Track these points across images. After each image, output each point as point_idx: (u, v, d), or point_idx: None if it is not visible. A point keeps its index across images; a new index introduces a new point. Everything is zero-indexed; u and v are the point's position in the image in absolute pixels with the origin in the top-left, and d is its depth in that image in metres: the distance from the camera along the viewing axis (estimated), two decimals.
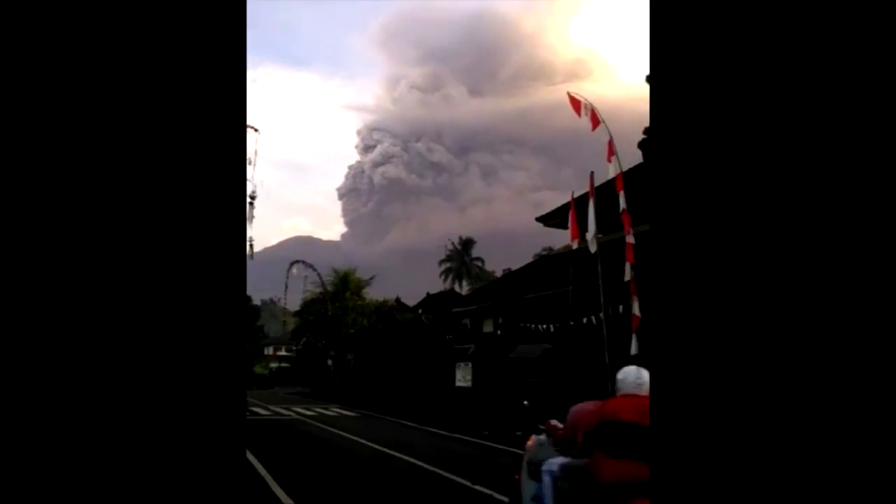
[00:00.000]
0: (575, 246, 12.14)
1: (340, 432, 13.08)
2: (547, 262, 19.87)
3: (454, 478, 7.68)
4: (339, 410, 19.73)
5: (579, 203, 12.07)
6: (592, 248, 10.80)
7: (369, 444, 11.04)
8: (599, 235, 10.99)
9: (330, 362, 31.99)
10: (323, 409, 20.16)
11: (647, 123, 14.63)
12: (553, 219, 17.96)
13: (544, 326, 14.56)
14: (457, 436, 12.76)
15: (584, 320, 12.49)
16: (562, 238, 17.36)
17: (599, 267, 10.66)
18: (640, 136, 14.64)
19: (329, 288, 32.61)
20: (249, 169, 19.36)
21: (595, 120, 10.85)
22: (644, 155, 14.61)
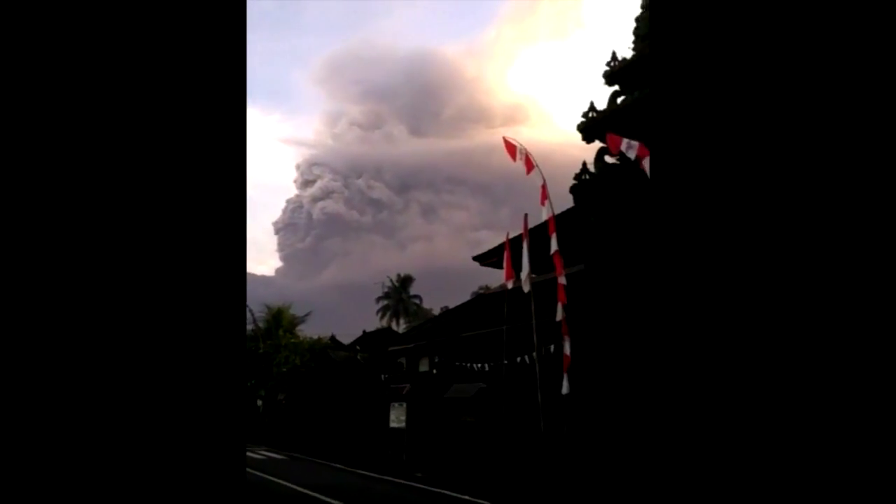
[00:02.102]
0: (510, 286, 12.37)
1: (267, 476, 12.51)
2: (483, 300, 20.09)
3: None
4: (266, 453, 18.87)
5: (514, 244, 12.37)
6: (526, 288, 11.05)
7: (295, 486, 10.61)
8: (533, 276, 11.27)
9: (259, 402, 30.69)
10: (250, 451, 19.23)
11: (578, 169, 15.27)
12: (489, 258, 18.27)
13: (479, 365, 14.62)
14: (388, 478, 12.46)
15: (518, 359, 12.63)
16: (498, 277, 17.64)
17: (532, 306, 10.89)
18: (572, 181, 15.25)
19: (261, 325, 31.57)
20: None
21: (529, 164, 11.27)
22: (575, 199, 15.20)
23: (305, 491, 10.16)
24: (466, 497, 9.71)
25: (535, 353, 11.02)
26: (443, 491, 10.43)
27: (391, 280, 57.05)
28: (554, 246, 10.45)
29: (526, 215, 11.91)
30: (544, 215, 10.90)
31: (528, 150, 11.43)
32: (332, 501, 9.04)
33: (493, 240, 24.25)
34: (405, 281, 57.46)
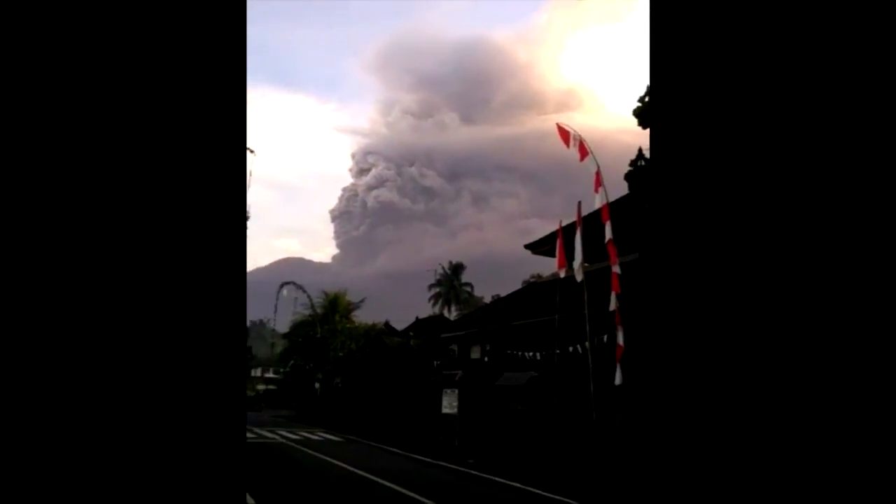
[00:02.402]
0: (562, 274, 12.27)
1: (325, 457, 12.96)
2: (534, 289, 19.96)
3: None
4: (324, 435, 19.51)
5: (567, 232, 12.24)
6: (579, 277, 10.93)
7: (352, 469, 10.95)
8: (586, 265, 11.14)
9: (317, 385, 31.66)
10: (308, 432, 19.93)
11: (633, 155, 14.89)
12: (541, 246, 18.13)
13: (531, 354, 14.60)
14: (441, 463, 12.67)
15: (570, 349, 12.55)
16: (549, 265, 17.51)
17: (585, 296, 10.78)
18: (627, 168, 14.91)
19: (318, 310, 32.47)
20: None
21: (583, 151, 11.09)
22: (630, 186, 14.86)
23: (362, 473, 10.48)
24: (517, 484, 9.78)
25: (587, 343, 10.92)
26: (494, 477, 10.54)
27: (443, 268, 57.43)
28: (608, 234, 10.29)
29: (579, 203, 11.76)
30: (598, 203, 10.73)
31: (582, 136, 11.25)
32: (389, 484, 9.30)
33: (543, 228, 24.04)
34: (457, 269, 57.67)
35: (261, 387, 53.06)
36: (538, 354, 14.37)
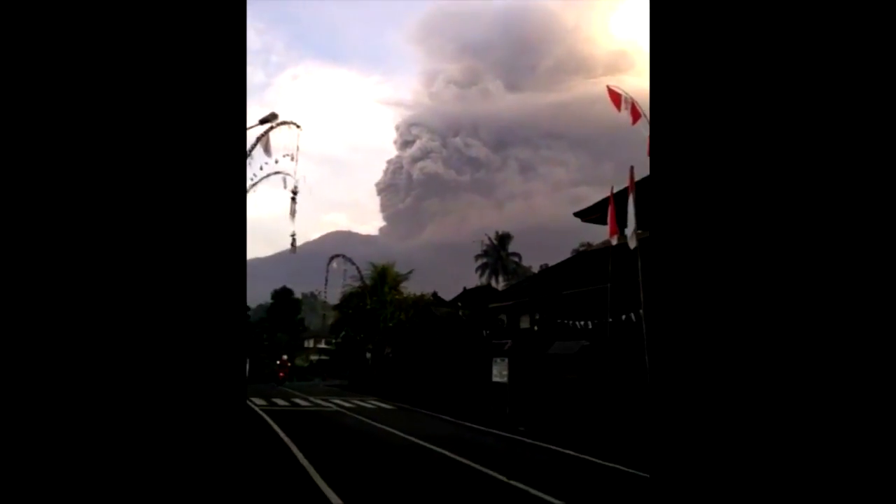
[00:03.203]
0: (614, 242, 11.98)
1: (378, 424, 13.29)
2: (585, 258, 19.64)
3: (491, 472, 7.73)
4: (376, 403, 20.02)
5: (619, 198, 11.91)
6: (632, 245, 10.65)
7: (406, 436, 11.18)
8: (639, 231, 10.82)
9: (368, 355, 32.44)
10: (361, 401, 20.49)
11: None
12: (592, 214, 17.75)
13: (582, 323, 14.44)
14: (493, 430, 12.79)
15: (623, 317, 12.32)
16: (600, 234, 17.14)
17: (639, 263, 10.50)
18: None
19: (368, 282, 33.03)
20: (292, 164, 19.63)
21: (636, 114, 10.69)
22: None
23: (415, 440, 10.69)
24: (570, 451, 9.78)
25: (641, 311, 10.68)
26: (547, 445, 10.57)
27: (489, 238, 57.26)
28: None
29: (632, 168, 11.38)
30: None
31: (634, 98, 10.83)
32: (442, 451, 9.46)
33: (593, 196, 23.57)
34: (503, 239, 57.42)
35: (314, 357, 54.77)
36: (590, 323, 14.20)
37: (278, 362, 37.22)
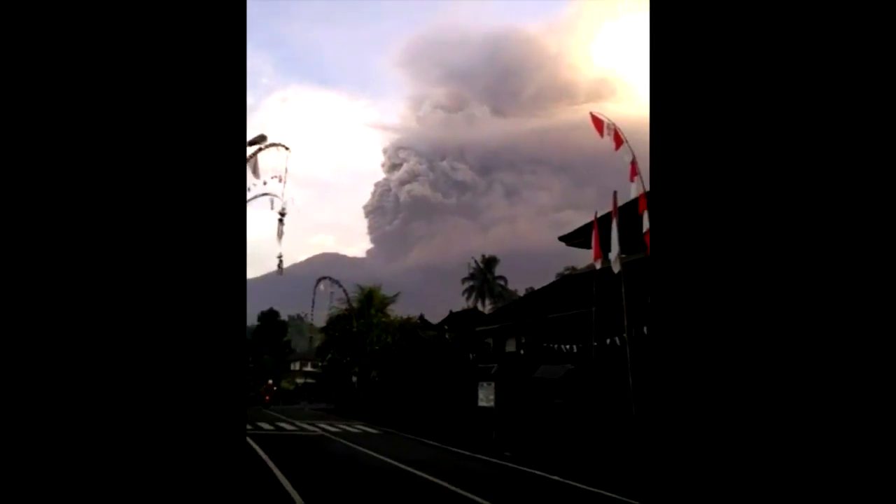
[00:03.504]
0: (598, 266, 12.12)
1: (363, 449, 13.15)
2: (570, 281, 19.77)
3: (476, 498, 7.69)
4: (362, 427, 19.79)
5: (602, 223, 12.08)
6: (616, 269, 10.79)
7: (391, 461, 11.08)
8: (623, 255, 10.98)
9: (354, 379, 32.12)
10: (346, 425, 20.25)
11: None
12: (576, 238, 17.94)
13: (567, 347, 14.50)
14: (478, 455, 12.71)
15: (608, 341, 12.41)
16: (584, 258, 17.31)
17: (623, 287, 10.63)
18: None
19: (354, 304, 32.87)
20: (279, 186, 19.62)
21: (618, 140, 10.91)
22: None
23: (400, 465, 10.60)
24: (556, 477, 9.75)
25: (625, 335, 10.78)
26: (532, 470, 10.53)
27: (476, 261, 57.39)
28: (646, 224, 10.11)
29: (615, 193, 11.59)
30: (634, 192, 10.55)
31: (616, 124, 11.07)
32: (426, 476, 9.39)
33: (576, 220, 23.83)
34: (490, 262, 57.58)
35: (300, 380, 54.06)
36: (575, 347, 14.26)
37: (264, 387, 37.02)
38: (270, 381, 39.51)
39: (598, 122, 11.33)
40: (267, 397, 35.19)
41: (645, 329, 11.07)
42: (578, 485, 9.07)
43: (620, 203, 11.55)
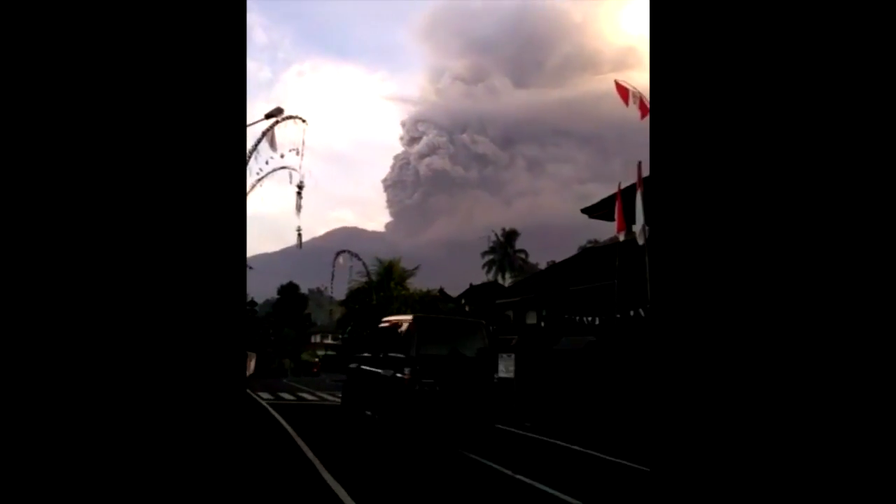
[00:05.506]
0: (622, 238, 11.94)
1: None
2: (592, 254, 19.58)
3: (496, 466, 7.73)
4: None
5: (626, 194, 11.86)
6: (640, 241, 10.61)
7: None
8: (647, 227, 10.78)
9: None
10: None
11: None
12: (599, 210, 17.69)
13: (589, 319, 14.41)
14: (498, 426, 12.79)
15: (631, 313, 12.29)
16: (607, 230, 17.09)
17: (647, 259, 10.46)
18: None
19: (374, 278, 33.08)
20: (297, 159, 19.62)
21: (644, 108, 10.62)
22: None
23: None
24: (576, 447, 9.77)
25: (648, 307, 10.65)
26: (553, 440, 10.56)
27: (496, 235, 57.21)
28: None
29: (640, 163, 11.33)
30: None
31: (643, 93, 10.77)
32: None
33: (601, 193, 23.50)
34: (510, 235, 57.36)
35: (320, 352, 54.96)
36: (596, 319, 14.17)
37: (316, 359, 43.64)
38: (317, 359, 45.92)
39: (623, 91, 11.04)
40: (315, 368, 41.42)
41: None
42: (598, 454, 9.08)
43: (646, 174, 11.31)
